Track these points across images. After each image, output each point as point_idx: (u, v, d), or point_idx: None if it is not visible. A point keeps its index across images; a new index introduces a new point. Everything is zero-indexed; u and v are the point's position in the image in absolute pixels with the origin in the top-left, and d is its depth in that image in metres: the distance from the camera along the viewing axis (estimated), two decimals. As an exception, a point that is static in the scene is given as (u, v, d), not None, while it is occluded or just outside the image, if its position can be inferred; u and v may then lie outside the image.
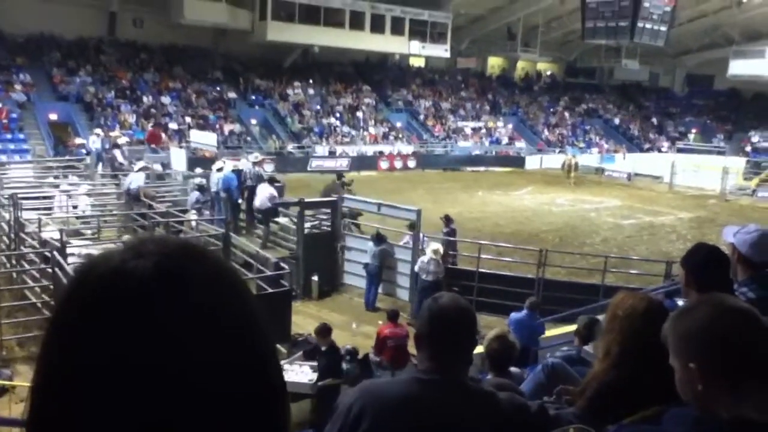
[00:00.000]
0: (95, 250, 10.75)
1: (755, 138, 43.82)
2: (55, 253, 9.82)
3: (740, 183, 30.86)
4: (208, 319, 0.62)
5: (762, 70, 40.21)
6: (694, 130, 46.47)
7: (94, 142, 21.57)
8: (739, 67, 41.12)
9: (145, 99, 30.94)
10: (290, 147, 32.68)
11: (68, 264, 9.49)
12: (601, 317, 4.30)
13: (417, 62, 43.44)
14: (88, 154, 21.25)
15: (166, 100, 31.60)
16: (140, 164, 17.28)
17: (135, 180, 15.82)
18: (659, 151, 43.48)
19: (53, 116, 27.79)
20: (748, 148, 42.51)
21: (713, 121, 47.26)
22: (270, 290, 10.18)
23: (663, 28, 36.80)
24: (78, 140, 22.88)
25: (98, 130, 23.44)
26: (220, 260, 0.69)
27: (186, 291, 0.62)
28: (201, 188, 16.19)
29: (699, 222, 22.77)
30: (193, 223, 14.28)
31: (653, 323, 2.19)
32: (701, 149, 42.13)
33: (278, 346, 10.12)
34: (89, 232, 14.36)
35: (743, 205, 27.64)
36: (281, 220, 15.24)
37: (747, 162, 35.24)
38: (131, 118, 29.33)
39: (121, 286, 0.61)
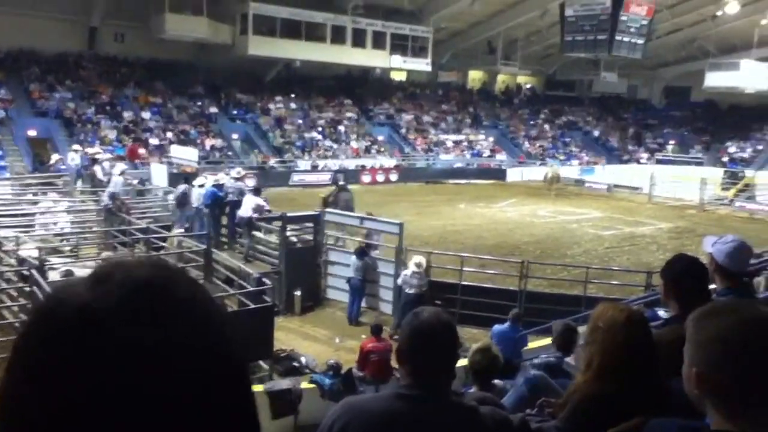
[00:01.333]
0: (75, 269, 10.63)
1: (732, 149, 44.50)
2: (33, 271, 9.69)
3: (718, 193, 31.26)
4: (175, 352, 0.61)
5: (737, 81, 40.94)
6: (672, 142, 47.07)
7: (74, 158, 21.37)
8: (715, 79, 41.82)
9: (125, 114, 30.77)
10: (272, 161, 32.63)
11: (47, 282, 9.36)
12: (582, 328, 4.32)
13: (398, 76, 43.67)
14: (67, 170, 21.04)
15: (146, 115, 31.45)
16: (119, 167, 17.25)
17: (114, 184, 15.78)
18: (638, 162, 43.97)
19: (32, 132, 27.51)
20: (725, 159, 43.15)
21: (691, 133, 47.91)
22: (252, 306, 10.11)
23: (640, 41, 37.41)
24: (56, 156, 22.63)
25: (77, 146, 23.24)
26: (191, 288, 0.67)
27: (152, 326, 0.61)
28: (187, 179, 16.35)
29: (678, 232, 23.01)
30: (175, 240, 14.18)
31: (634, 335, 2.20)
32: (680, 160, 42.68)
33: (261, 362, 10.07)
34: (68, 249, 14.18)
35: (722, 215, 27.99)
36: (257, 234, 15.18)
37: (725, 172, 35.72)
38: (111, 134, 29.13)
39: (85, 326, 0.60)
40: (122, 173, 16.53)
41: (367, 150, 36.78)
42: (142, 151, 28.95)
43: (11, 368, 0.62)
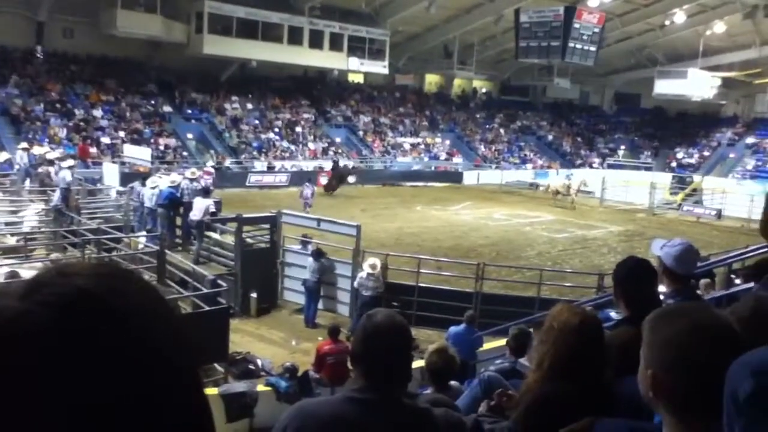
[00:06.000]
0: (21, 270, 10.32)
1: (680, 154, 45.88)
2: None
3: (667, 198, 32.12)
4: (106, 371, 0.57)
5: (684, 89, 42.20)
6: (622, 147, 48.24)
7: (22, 157, 20.71)
8: (664, 87, 43.02)
9: (76, 112, 29.97)
10: (228, 162, 32.23)
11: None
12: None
13: (356, 78, 43.66)
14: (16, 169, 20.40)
15: (98, 113, 30.70)
16: (68, 162, 16.87)
17: (62, 179, 15.45)
18: (590, 167, 44.92)
19: (-24, 129, 26.58)
20: (674, 164, 44.43)
21: (641, 138, 49.21)
22: (207, 308, 9.96)
23: (592, 48, 38.26)
24: (3, 155, 21.90)
25: (25, 145, 22.51)
26: (137, 299, 0.62)
27: (84, 342, 0.57)
28: (144, 180, 16.25)
29: (628, 235, 23.57)
30: (127, 240, 13.92)
31: (586, 339, 2.24)
32: (630, 165, 43.74)
33: (216, 365, 9.93)
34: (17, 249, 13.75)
35: (670, 219, 28.78)
36: (213, 234, 15.01)
37: (673, 177, 36.75)
38: (61, 132, 28.34)
39: (11, 342, 0.56)
40: (71, 167, 16.20)
41: (325, 152, 36.66)
42: (93, 150, 28.25)
43: None
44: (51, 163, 18.91)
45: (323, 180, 31.34)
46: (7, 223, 15.34)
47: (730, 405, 1.22)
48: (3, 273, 10.17)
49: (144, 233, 14.93)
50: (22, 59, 30.93)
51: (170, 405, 0.61)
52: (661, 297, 3.08)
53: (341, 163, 32.61)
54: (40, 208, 16.31)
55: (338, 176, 30.36)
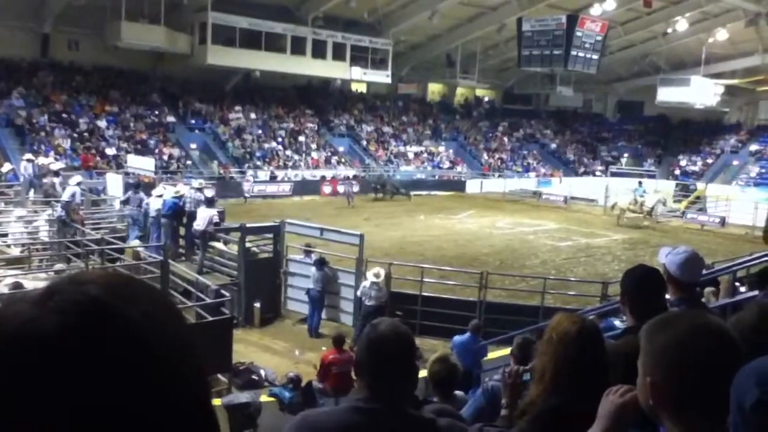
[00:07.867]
0: (24, 281, 10.33)
1: (683, 162, 45.82)
2: (-20, 283, 9.37)
3: (670, 205, 32.02)
4: (116, 377, 0.58)
5: (687, 97, 42.18)
6: (626, 155, 48.20)
7: (26, 168, 20.77)
8: (667, 94, 43.00)
9: (81, 123, 30.08)
10: (231, 171, 32.28)
11: (-5, 295, 9.05)
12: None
13: (359, 87, 43.78)
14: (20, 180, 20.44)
15: (102, 123, 30.81)
16: (76, 179, 16.90)
17: (72, 194, 15.40)
18: (594, 175, 44.87)
19: (-19, 141, 26.66)
20: (677, 172, 44.38)
21: (644, 146, 49.17)
22: (210, 318, 9.95)
23: (595, 57, 38.36)
24: (8, 166, 21.95)
25: (29, 155, 22.57)
26: (148, 307, 0.63)
27: (94, 348, 0.58)
28: (137, 186, 16.20)
29: (633, 243, 23.50)
30: (132, 252, 13.90)
31: (585, 348, 2.22)
32: (633, 173, 43.67)
33: (219, 375, 9.91)
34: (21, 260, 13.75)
35: (674, 226, 28.69)
36: (216, 245, 15.01)
37: (676, 185, 36.64)
38: (65, 143, 28.43)
39: (22, 347, 0.57)
40: (79, 184, 16.18)
41: (328, 161, 36.72)
42: (97, 158, 28.32)
43: None
44: (56, 174, 18.92)
45: (326, 189, 31.37)
46: (8, 234, 15.33)
47: (736, 413, 1.21)
48: (6, 284, 10.18)
49: (138, 242, 14.87)
50: (28, 71, 31.06)
51: (177, 413, 0.62)
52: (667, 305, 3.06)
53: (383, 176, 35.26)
54: (48, 218, 16.31)
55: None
